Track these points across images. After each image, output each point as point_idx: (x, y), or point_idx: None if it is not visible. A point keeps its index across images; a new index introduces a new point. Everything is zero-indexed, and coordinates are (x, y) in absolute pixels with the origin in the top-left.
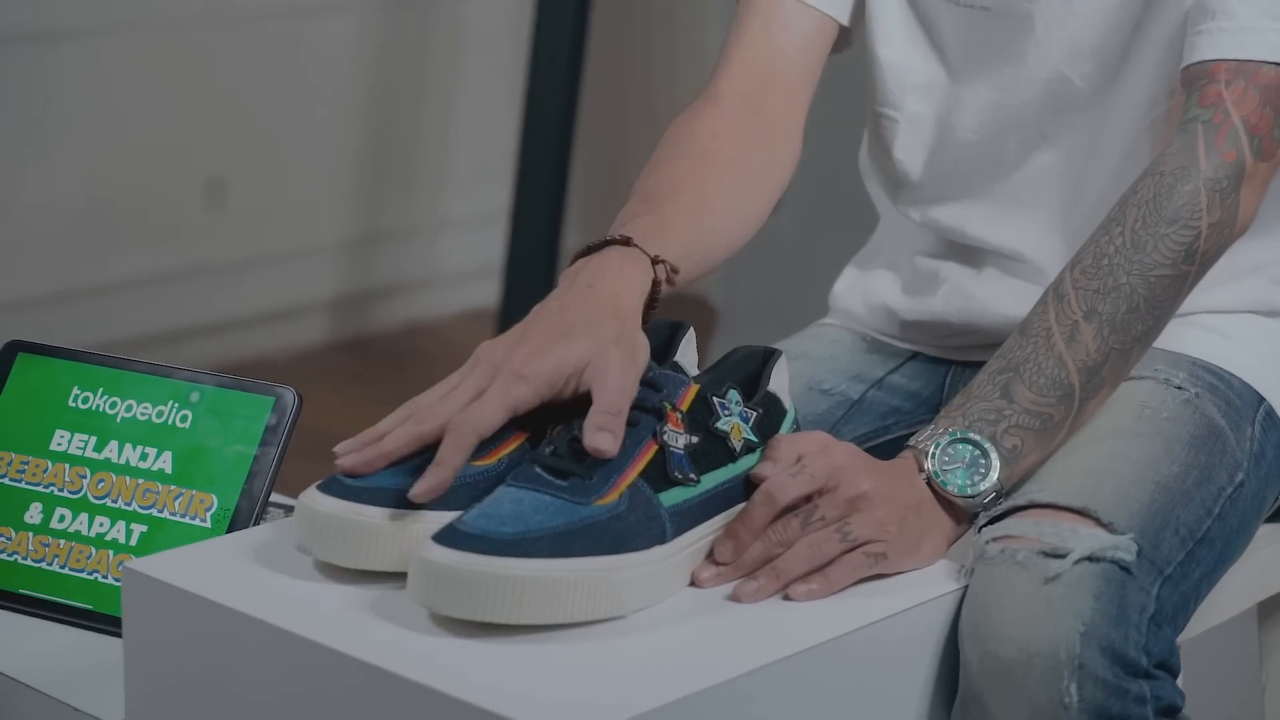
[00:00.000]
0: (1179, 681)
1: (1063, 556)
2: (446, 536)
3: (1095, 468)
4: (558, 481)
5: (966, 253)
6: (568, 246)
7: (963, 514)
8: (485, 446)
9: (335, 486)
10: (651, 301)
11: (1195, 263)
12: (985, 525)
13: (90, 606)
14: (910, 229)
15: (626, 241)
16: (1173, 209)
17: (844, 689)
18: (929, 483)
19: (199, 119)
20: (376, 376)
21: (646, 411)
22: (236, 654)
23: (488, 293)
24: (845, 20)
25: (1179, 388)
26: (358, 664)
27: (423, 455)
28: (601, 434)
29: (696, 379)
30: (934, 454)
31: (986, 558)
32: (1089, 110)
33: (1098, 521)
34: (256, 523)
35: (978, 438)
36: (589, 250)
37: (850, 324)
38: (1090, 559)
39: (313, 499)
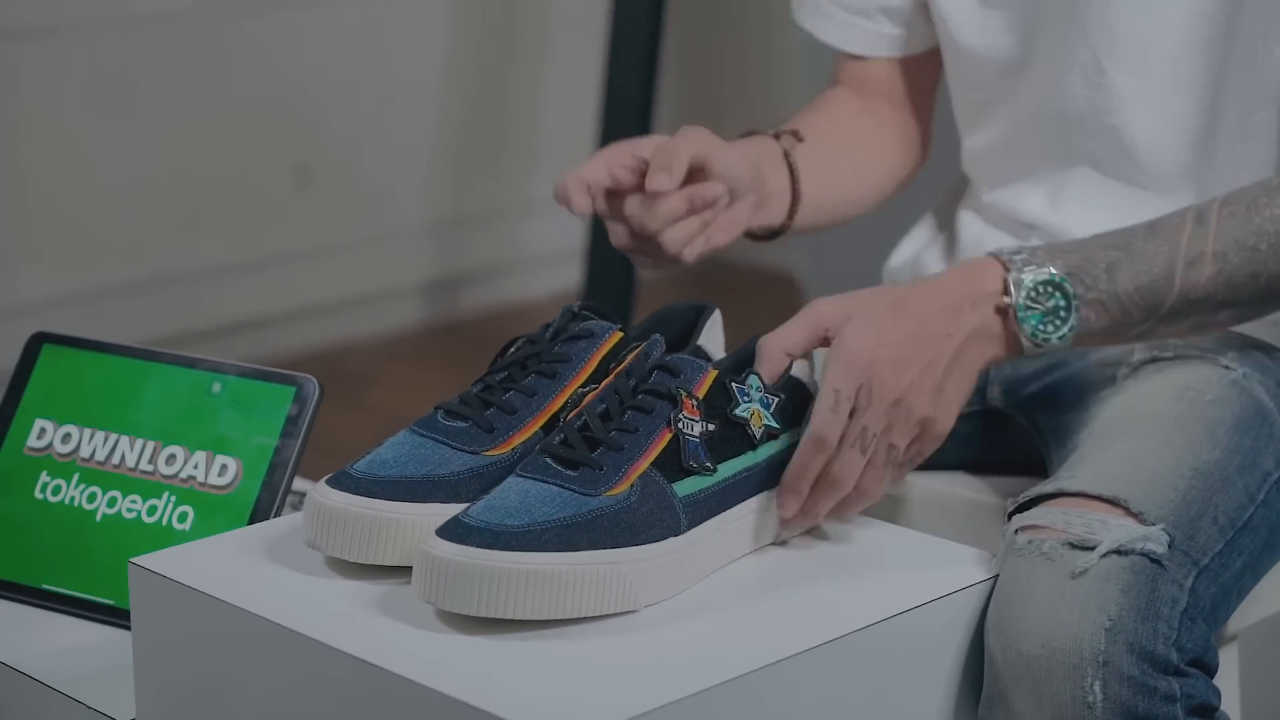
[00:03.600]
0: (1217, 678)
1: (1090, 549)
2: (451, 530)
3: (1132, 454)
4: (566, 472)
5: (1018, 229)
6: None
7: (1014, 348)
8: (498, 435)
9: (344, 480)
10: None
11: None
12: (1014, 513)
13: (112, 602)
14: (969, 206)
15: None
16: None
17: (866, 683)
18: (1002, 310)
19: (286, 104)
20: (466, 360)
21: (661, 398)
22: (243, 652)
23: (578, 275)
24: (920, 48)
25: (1226, 367)
26: (361, 664)
27: (435, 447)
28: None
29: (716, 364)
30: (1026, 286)
31: (1014, 549)
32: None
33: (1128, 511)
34: (277, 514)
35: (1071, 290)
36: None
37: None
38: (1118, 551)
39: (321, 493)
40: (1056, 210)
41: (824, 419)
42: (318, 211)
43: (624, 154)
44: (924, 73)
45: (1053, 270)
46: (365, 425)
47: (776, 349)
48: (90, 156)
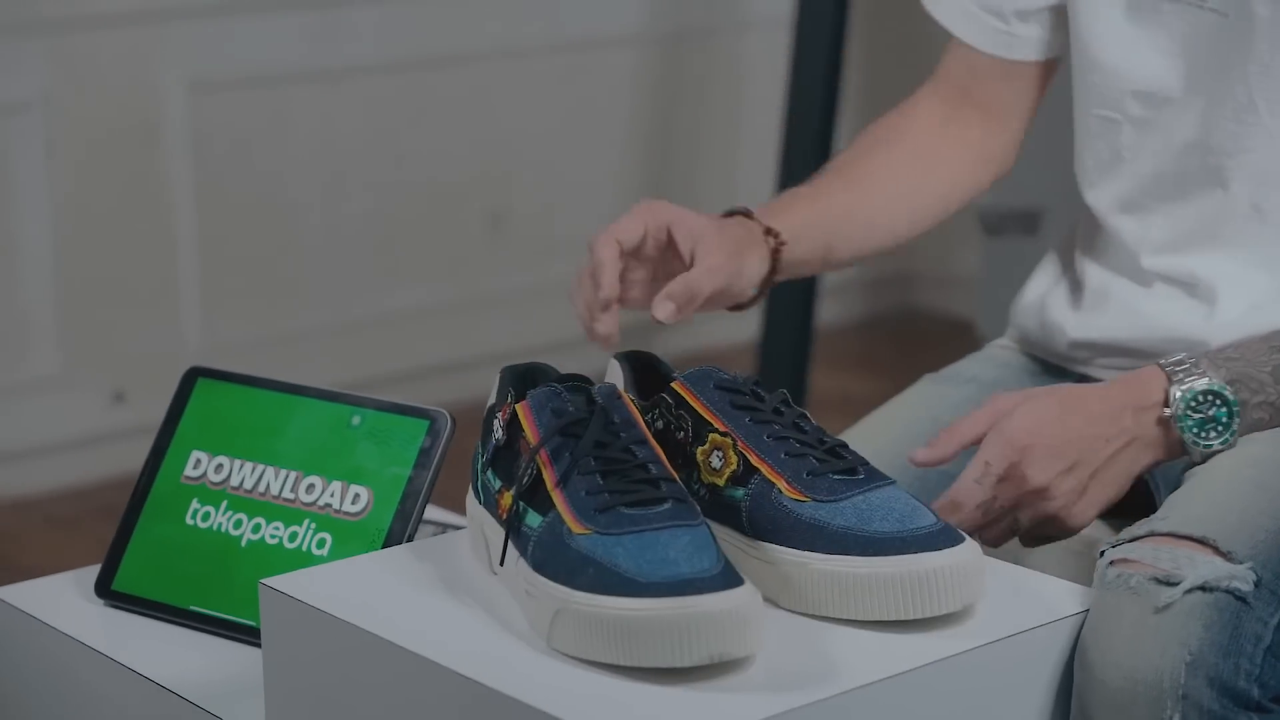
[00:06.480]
0: None
1: (1175, 584)
2: None
3: (1224, 496)
4: None
5: (1139, 271)
6: (827, 280)
7: (1175, 453)
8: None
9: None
10: (773, 269)
11: None
12: (1109, 548)
13: (254, 623)
14: (1091, 241)
15: (746, 213)
16: None
17: (960, 709)
18: (1163, 420)
19: (481, 152)
20: None
21: None
22: (365, 670)
23: (756, 325)
24: (1045, 55)
25: None
26: (477, 685)
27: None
28: (664, 303)
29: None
30: (1187, 397)
31: (1104, 582)
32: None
33: (1216, 550)
34: (409, 541)
35: (1233, 398)
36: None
37: (1024, 344)
38: (1203, 588)
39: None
40: (1181, 248)
41: (967, 488)
42: (510, 258)
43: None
44: (1033, 82)
45: (1214, 380)
46: None
47: (955, 441)
48: (290, 204)
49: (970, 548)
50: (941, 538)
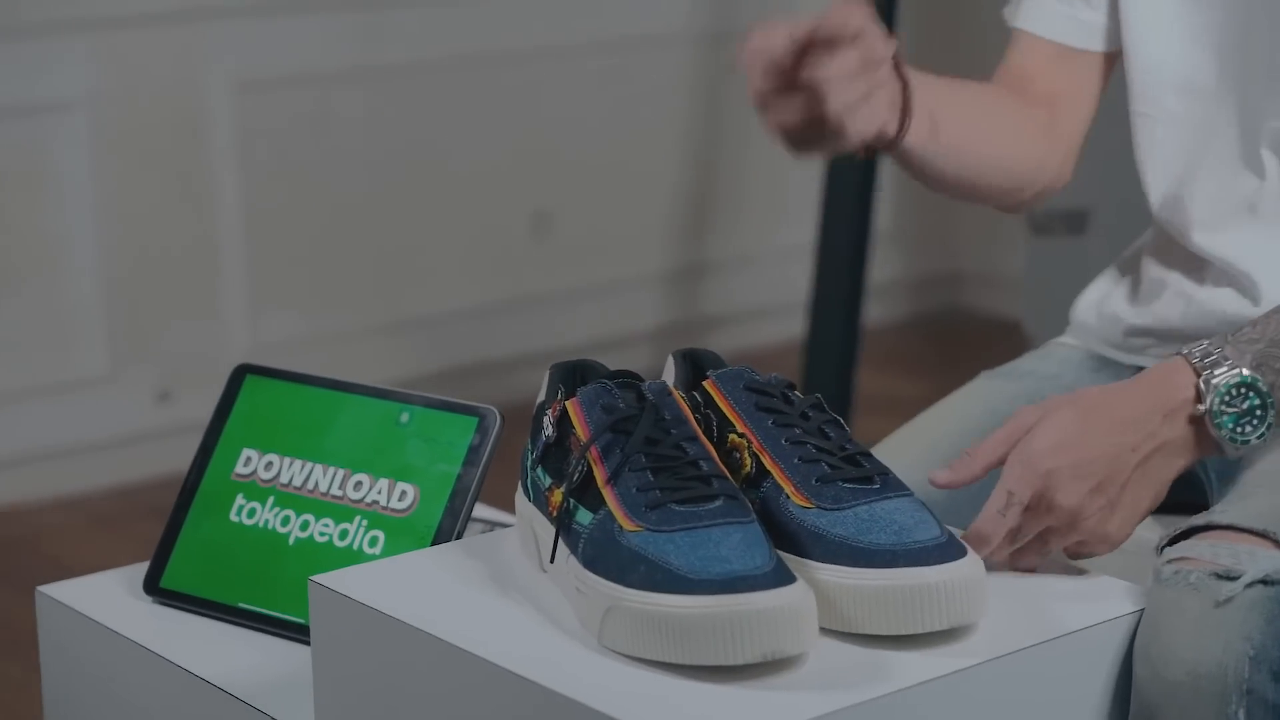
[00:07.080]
0: None
1: (1235, 579)
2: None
3: None
4: None
5: (1193, 260)
6: (873, 280)
7: (1210, 451)
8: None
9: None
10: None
11: None
12: (1166, 545)
13: (303, 620)
14: (1152, 238)
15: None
16: None
17: (1016, 707)
18: (1197, 418)
19: (525, 151)
20: None
21: None
22: (415, 668)
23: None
24: (1108, 46)
25: None
26: (530, 684)
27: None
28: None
29: None
30: (1220, 391)
31: (1161, 579)
32: None
33: (1276, 544)
34: (458, 538)
35: (1264, 386)
36: None
37: (1083, 340)
38: (1264, 582)
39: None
40: (1221, 228)
41: (991, 519)
42: (556, 256)
43: (782, 32)
44: (1093, 74)
45: (1243, 370)
46: None
47: (977, 464)
48: (335, 202)
49: (969, 564)
50: (936, 553)
